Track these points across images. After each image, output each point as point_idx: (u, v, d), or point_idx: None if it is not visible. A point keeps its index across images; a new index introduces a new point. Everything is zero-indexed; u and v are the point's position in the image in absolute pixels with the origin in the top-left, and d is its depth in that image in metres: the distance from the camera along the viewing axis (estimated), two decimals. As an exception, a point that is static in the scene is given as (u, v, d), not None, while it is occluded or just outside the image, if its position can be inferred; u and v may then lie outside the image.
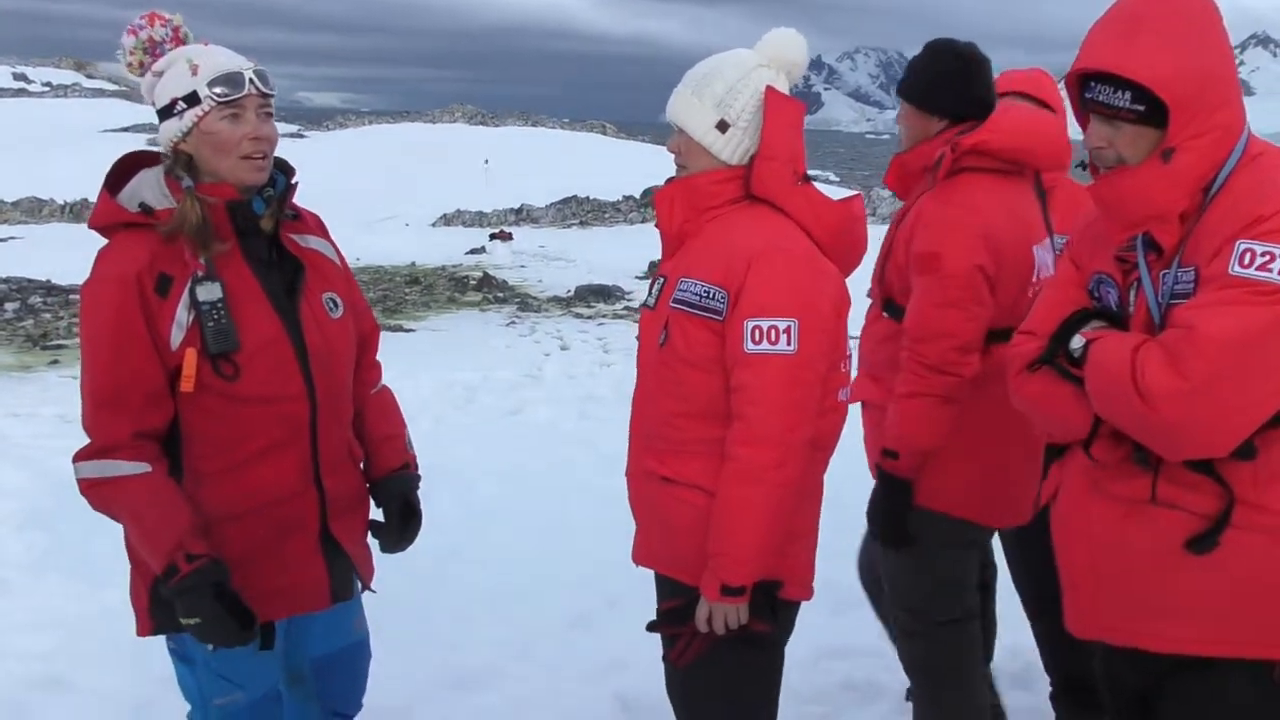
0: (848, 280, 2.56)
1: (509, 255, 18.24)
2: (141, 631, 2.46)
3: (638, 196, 26.51)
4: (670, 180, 2.58)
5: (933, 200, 2.97)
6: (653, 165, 33.96)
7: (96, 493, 2.34)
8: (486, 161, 30.66)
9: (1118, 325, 2.16)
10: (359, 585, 2.68)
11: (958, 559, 3.14)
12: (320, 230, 2.62)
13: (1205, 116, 2.03)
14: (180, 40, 2.44)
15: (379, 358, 2.80)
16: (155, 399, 2.32)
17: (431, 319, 12.73)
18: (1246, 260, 1.94)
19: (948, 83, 3.05)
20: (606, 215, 25.44)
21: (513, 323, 12.34)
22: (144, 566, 2.40)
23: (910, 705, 3.81)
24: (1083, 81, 2.13)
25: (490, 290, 14.52)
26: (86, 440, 2.35)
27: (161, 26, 2.42)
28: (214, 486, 2.38)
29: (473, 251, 18.68)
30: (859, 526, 3.38)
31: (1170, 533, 2.07)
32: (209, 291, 2.31)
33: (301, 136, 43.13)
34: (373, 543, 2.70)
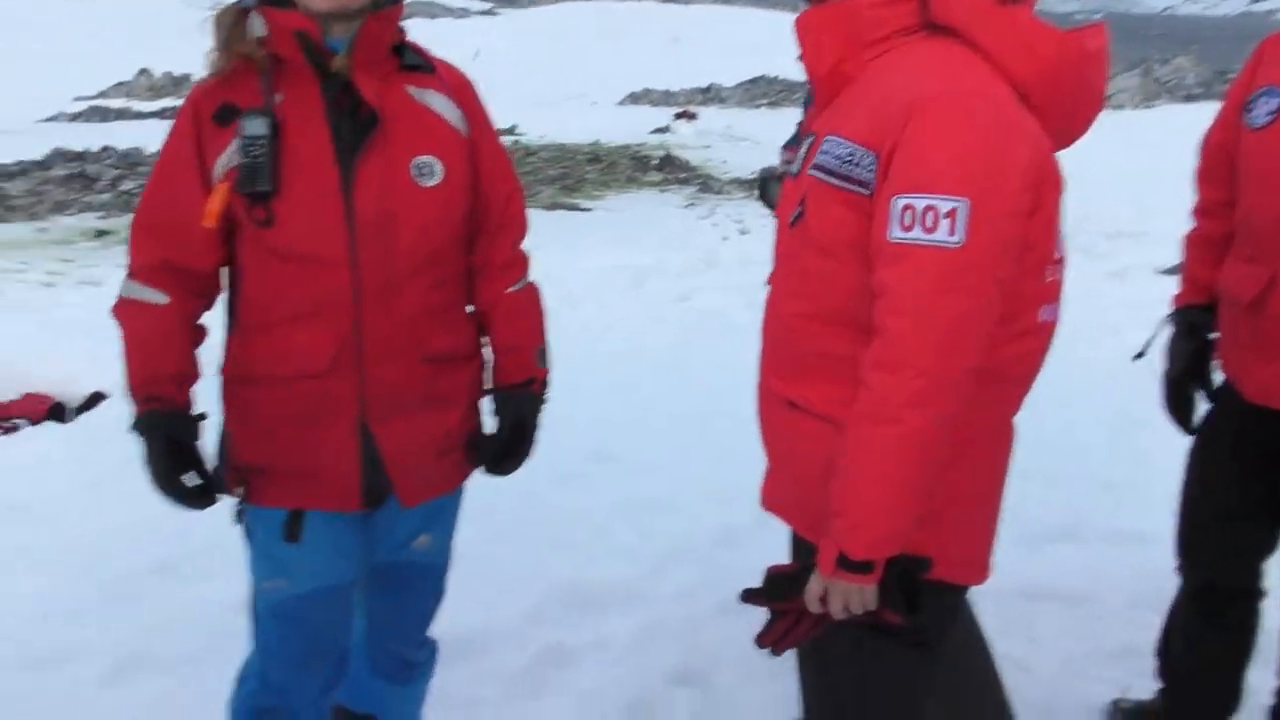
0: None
1: (693, 135, 17.68)
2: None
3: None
4: (817, 4, 1.90)
5: None
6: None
7: (117, 311, 2.20)
8: (676, 39, 29.94)
9: None
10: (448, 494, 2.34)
11: None
12: (458, 90, 2.22)
13: None
14: None
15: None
16: (192, 233, 2.11)
17: (609, 198, 12.36)
18: None
19: None
20: (797, 95, 24.48)
21: (692, 204, 11.83)
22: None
23: None
24: None
25: (672, 170, 14.02)
26: None
27: None
28: (250, 342, 2.18)
29: (657, 130, 18.19)
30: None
31: None
32: (254, 125, 2.05)
33: (494, 14, 43.10)
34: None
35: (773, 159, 13.61)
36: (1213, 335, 2.67)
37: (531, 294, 2.38)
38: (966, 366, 1.71)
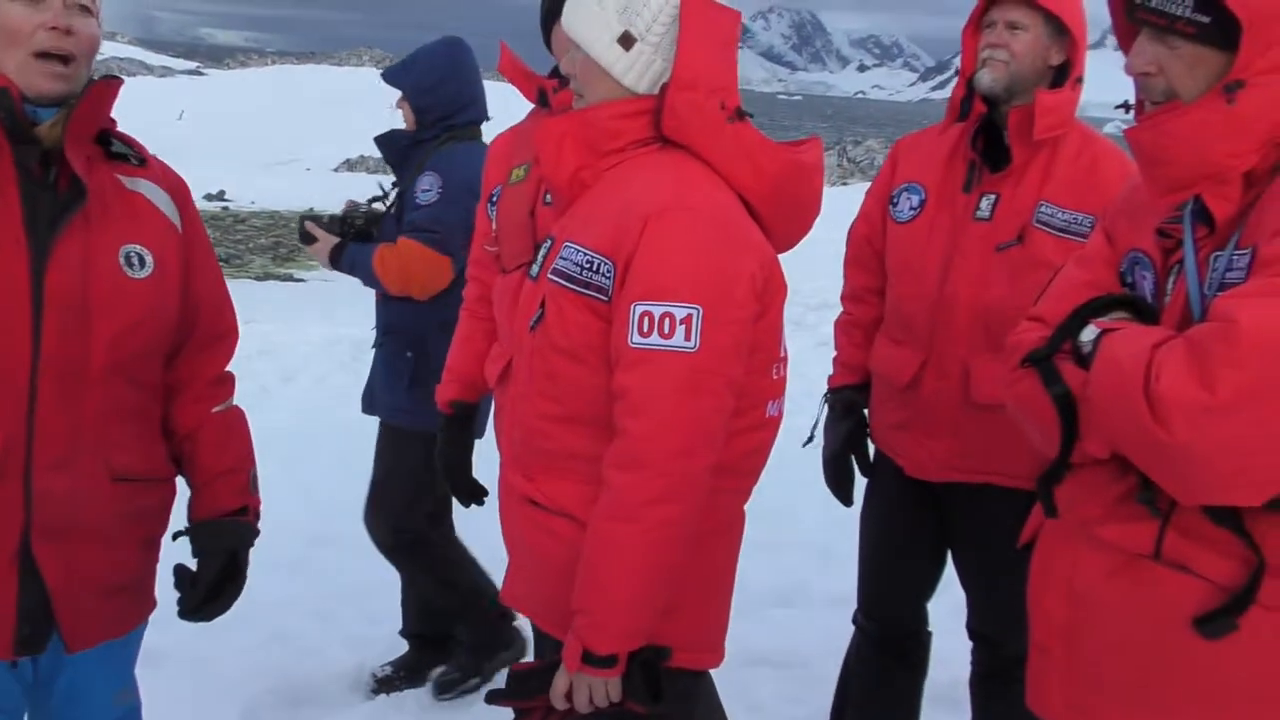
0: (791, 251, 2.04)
1: (413, 204, 17.55)
2: None
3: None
4: (558, 112, 2.01)
5: None
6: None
7: None
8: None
9: (1148, 318, 1.66)
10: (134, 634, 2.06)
11: None
12: (175, 189, 2.06)
13: None
14: None
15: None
16: None
17: (325, 268, 12.04)
18: None
19: None
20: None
21: (411, 275, 11.73)
22: None
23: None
24: None
25: (390, 240, 13.88)
26: None
27: None
28: None
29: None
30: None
31: (1174, 602, 1.59)
32: None
33: (201, 74, 41.55)
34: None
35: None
36: (866, 410, 2.87)
37: (239, 416, 2.20)
38: (704, 464, 1.80)
